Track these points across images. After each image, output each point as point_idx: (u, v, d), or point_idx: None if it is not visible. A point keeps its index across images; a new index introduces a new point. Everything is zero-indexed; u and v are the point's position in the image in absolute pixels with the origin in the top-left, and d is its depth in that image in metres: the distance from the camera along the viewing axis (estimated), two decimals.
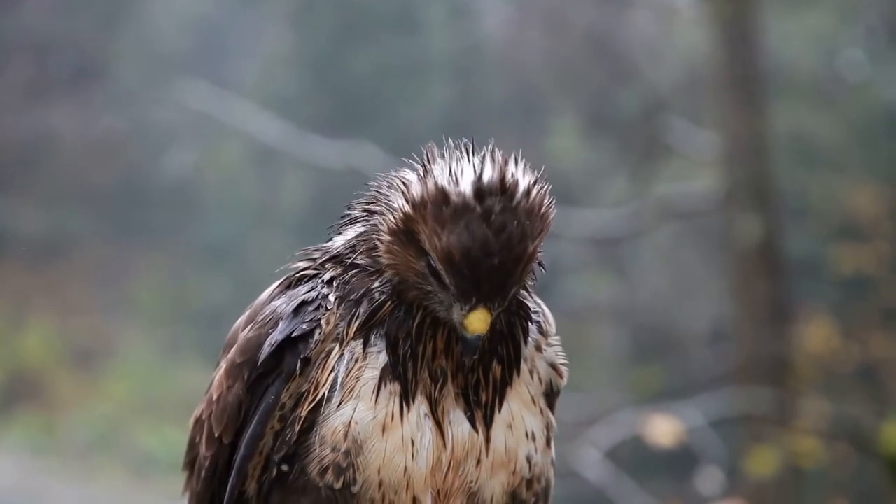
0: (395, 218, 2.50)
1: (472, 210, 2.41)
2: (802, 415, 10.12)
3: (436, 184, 2.44)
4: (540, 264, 2.61)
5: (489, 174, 2.44)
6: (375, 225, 2.58)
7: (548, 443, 2.71)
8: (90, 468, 17.76)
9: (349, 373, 2.54)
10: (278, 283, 2.69)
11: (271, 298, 2.66)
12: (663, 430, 8.33)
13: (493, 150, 2.51)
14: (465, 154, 2.50)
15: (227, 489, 2.61)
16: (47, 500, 16.75)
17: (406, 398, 2.53)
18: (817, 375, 11.67)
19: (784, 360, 10.27)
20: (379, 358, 2.54)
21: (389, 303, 2.54)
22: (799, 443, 9.88)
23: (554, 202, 2.56)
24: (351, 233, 2.65)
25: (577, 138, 17.11)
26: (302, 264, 2.68)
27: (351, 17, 18.94)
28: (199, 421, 2.75)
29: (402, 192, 2.50)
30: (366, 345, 2.54)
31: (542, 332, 2.68)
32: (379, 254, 2.55)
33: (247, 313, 2.70)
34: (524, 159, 2.56)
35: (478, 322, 2.44)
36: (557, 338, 2.73)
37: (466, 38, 18.84)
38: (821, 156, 14.66)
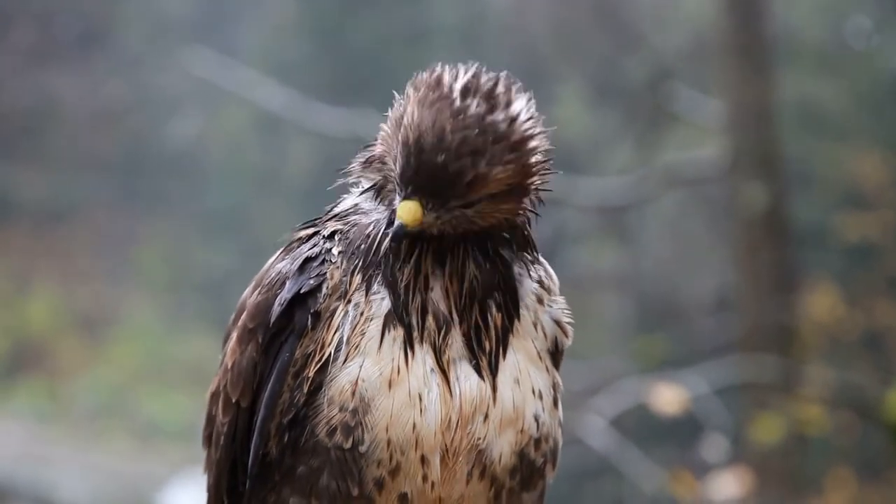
0: (397, 105, 2.53)
1: (450, 101, 2.41)
2: (807, 383, 10.12)
3: (439, 72, 2.47)
4: (525, 226, 2.60)
5: (487, 82, 2.44)
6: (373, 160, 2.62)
7: (555, 403, 2.69)
8: (94, 435, 17.83)
9: (354, 328, 2.54)
10: (280, 250, 2.70)
11: (273, 263, 2.66)
12: (668, 398, 8.34)
13: (508, 75, 2.51)
14: (482, 69, 2.50)
15: (251, 451, 2.59)
16: (52, 466, 16.81)
17: (410, 342, 2.52)
18: (822, 343, 11.68)
19: (789, 328, 10.27)
20: (382, 305, 2.54)
21: (382, 234, 2.54)
22: (803, 411, 9.89)
23: (544, 156, 2.55)
24: (352, 197, 2.67)
25: (582, 106, 17.08)
26: (303, 232, 2.69)
27: None
28: (214, 394, 2.75)
29: (412, 80, 2.52)
30: (367, 292, 2.54)
31: (542, 286, 2.67)
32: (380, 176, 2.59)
33: (252, 282, 2.71)
34: (539, 114, 2.54)
35: (405, 212, 2.42)
36: (562, 298, 2.72)
37: (471, 6, 18.78)
38: (827, 123, 14.63)
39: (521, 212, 2.59)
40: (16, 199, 19.87)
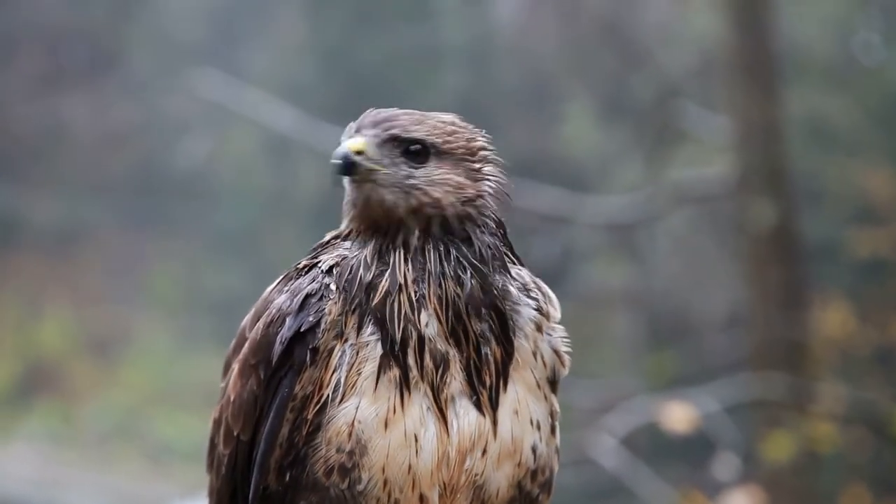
0: None
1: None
2: (818, 399, 10.10)
3: None
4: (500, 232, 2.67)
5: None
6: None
7: (552, 431, 2.71)
8: (107, 457, 17.82)
9: (351, 367, 2.56)
10: (279, 279, 2.72)
11: (273, 295, 2.69)
12: (679, 416, 8.33)
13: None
14: None
15: (252, 485, 2.63)
16: (65, 488, 16.81)
17: (406, 383, 2.54)
18: (833, 360, 11.65)
19: (800, 344, 10.25)
20: (377, 347, 2.56)
21: (364, 264, 2.59)
22: (815, 427, 9.86)
23: (485, 151, 2.71)
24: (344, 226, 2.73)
25: (590, 124, 17.08)
26: (303, 262, 2.71)
27: (363, 5, 18.93)
28: (217, 421, 2.77)
29: None
30: (360, 332, 2.57)
31: (541, 312, 2.68)
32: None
33: (251, 312, 2.73)
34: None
35: (349, 142, 2.59)
36: (562, 327, 2.72)
37: (479, 25, 18.80)
38: (836, 139, 14.61)
39: (473, 196, 2.63)
40: (27, 222, 19.91)
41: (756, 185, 10.24)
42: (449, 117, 2.68)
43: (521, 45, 18.19)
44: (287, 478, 2.60)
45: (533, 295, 2.68)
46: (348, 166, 2.58)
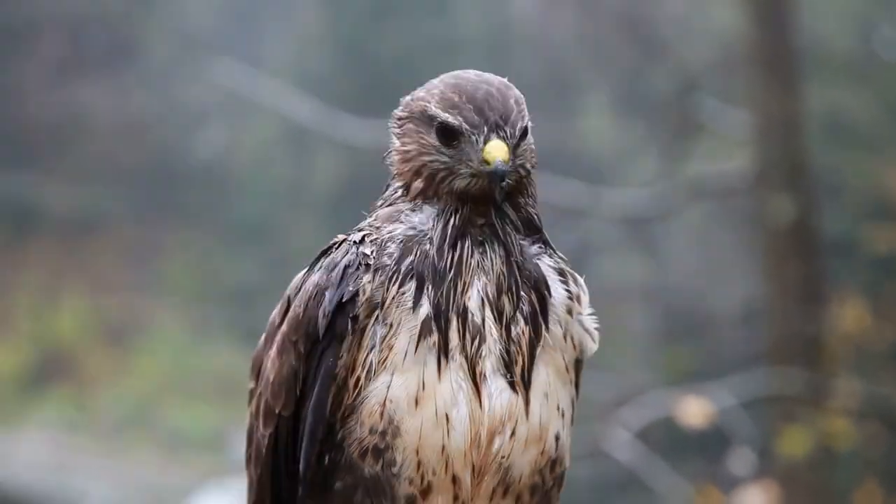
0: (407, 107, 2.70)
1: (470, 76, 2.66)
2: (835, 395, 10.07)
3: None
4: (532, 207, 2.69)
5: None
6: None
7: (572, 422, 2.72)
8: (122, 445, 17.87)
9: (384, 341, 2.56)
10: (306, 269, 2.71)
11: (305, 277, 2.69)
12: (694, 410, 8.31)
13: None
14: None
15: (302, 457, 2.62)
16: (79, 476, 16.86)
17: (445, 351, 2.54)
18: (850, 355, 11.61)
19: (816, 340, 10.22)
20: (419, 312, 2.57)
21: (411, 236, 2.60)
22: (831, 423, 9.83)
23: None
24: (382, 208, 2.72)
25: (608, 117, 17.05)
26: (330, 244, 2.71)
27: None
28: (254, 413, 2.78)
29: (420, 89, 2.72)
30: (403, 299, 2.57)
31: (572, 297, 2.68)
32: (397, 187, 2.68)
33: (279, 304, 2.73)
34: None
35: (497, 150, 2.56)
36: (591, 309, 2.73)
37: (497, 17, 18.78)
38: (855, 134, 14.56)
39: (533, 163, 2.68)
40: (44, 210, 19.96)
41: (775, 180, 10.21)
42: (510, 86, 2.69)
43: (540, 38, 18.17)
44: (325, 461, 2.60)
45: (566, 279, 2.68)
46: (502, 177, 2.58)
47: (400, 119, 2.71)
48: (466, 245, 2.59)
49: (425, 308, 2.56)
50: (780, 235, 10.20)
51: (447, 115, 2.59)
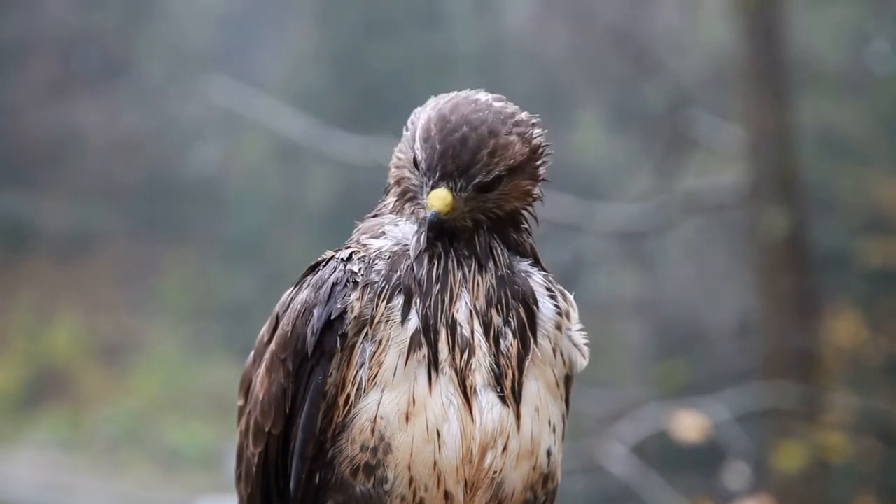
0: (415, 113, 2.70)
1: (464, 97, 2.64)
2: (830, 409, 10.07)
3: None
4: (531, 215, 2.72)
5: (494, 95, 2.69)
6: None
7: (563, 438, 2.71)
8: (117, 463, 17.84)
9: (373, 358, 2.57)
10: (293, 286, 2.73)
11: (293, 296, 2.69)
12: (689, 424, 8.31)
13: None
14: None
15: (293, 475, 2.62)
16: (75, 494, 16.83)
17: (435, 364, 2.54)
18: (844, 369, 11.62)
19: (811, 353, 10.23)
20: (408, 326, 2.57)
21: (397, 252, 2.61)
22: (826, 437, 9.83)
23: (543, 143, 2.70)
24: (370, 222, 2.74)
25: (601, 132, 17.08)
26: (317, 262, 2.72)
27: (375, 13, 18.95)
28: (243, 431, 2.78)
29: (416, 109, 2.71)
30: (392, 313, 2.58)
31: (561, 312, 2.69)
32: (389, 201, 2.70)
33: (268, 322, 2.74)
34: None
35: (436, 200, 2.56)
36: (581, 325, 2.74)
37: (490, 32, 18.82)
38: (848, 148, 14.59)
39: (533, 196, 2.69)
40: (38, 228, 19.95)
41: (768, 194, 10.23)
42: (517, 116, 2.66)
43: (533, 53, 18.20)
44: (316, 480, 2.60)
45: (554, 294, 2.69)
46: (441, 223, 2.59)
47: (410, 122, 2.72)
48: (451, 258, 2.60)
49: (413, 322, 2.56)
50: (773, 249, 10.21)
51: (418, 147, 2.61)
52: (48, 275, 20.02)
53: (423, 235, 2.59)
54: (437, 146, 2.58)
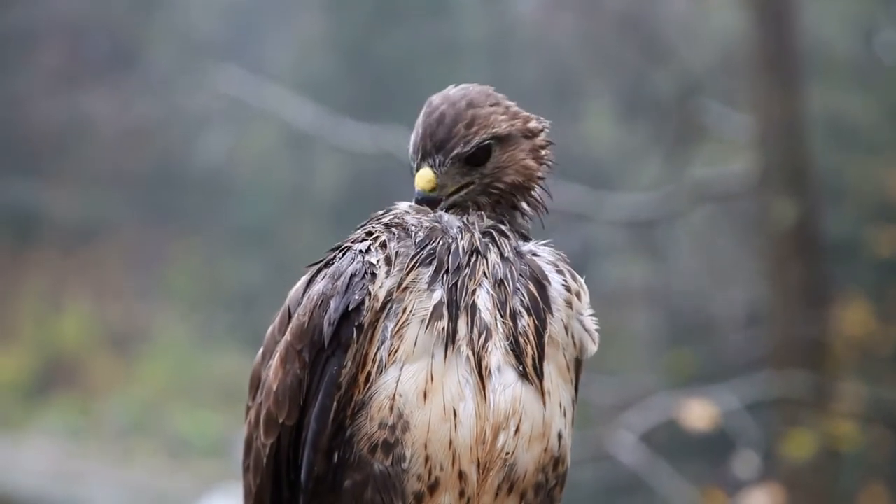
0: None
1: (448, 93, 2.76)
2: (839, 398, 10.06)
3: None
4: (537, 206, 2.79)
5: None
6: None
7: (572, 422, 2.73)
8: (126, 451, 17.88)
9: (395, 334, 2.59)
10: (306, 276, 2.73)
11: (308, 288, 2.69)
12: (699, 413, 8.31)
13: None
14: None
15: (304, 466, 2.63)
16: (84, 482, 16.86)
17: (453, 338, 2.56)
18: (854, 358, 11.60)
19: (820, 343, 10.21)
20: (432, 297, 2.60)
21: (435, 227, 2.66)
22: (835, 426, 9.83)
23: (540, 126, 2.79)
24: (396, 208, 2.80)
25: (610, 121, 17.05)
26: (332, 253, 2.73)
27: (383, 1, 18.93)
28: (253, 422, 2.79)
29: None
30: (415, 287, 2.61)
31: (571, 290, 2.70)
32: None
33: (278, 317, 2.74)
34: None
35: (419, 179, 2.68)
36: (592, 310, 2.75)
37: (499, 21, 18.79)
38: (857, 137, 14.56)
39: (537, 167, 2.76)
40: (47, 217, 19.97)
41: (777, 184, 10.21)
42: (507, 102, 2.77)
43: (541, 41, 18.17)
44: (335, 459, 2.61)
45: (562, 271, 2.71)
46: (430, 202, 2.70)
47: None
48: (475, 239, 2.65)
49: (438, 293, 2.59)
50: (783, 238, 10.19)
51: (411, 134, 2.73)
52: (57, 263, 20.05)
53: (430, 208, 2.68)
54: (419, 130, 2.70)
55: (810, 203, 10.36)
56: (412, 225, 2.66)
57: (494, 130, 2.70)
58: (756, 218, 11.29)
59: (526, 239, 2.74)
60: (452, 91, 2.74)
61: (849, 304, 11.59)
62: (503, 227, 2.69)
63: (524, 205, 2.76)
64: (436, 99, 2.74)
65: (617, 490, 12.03)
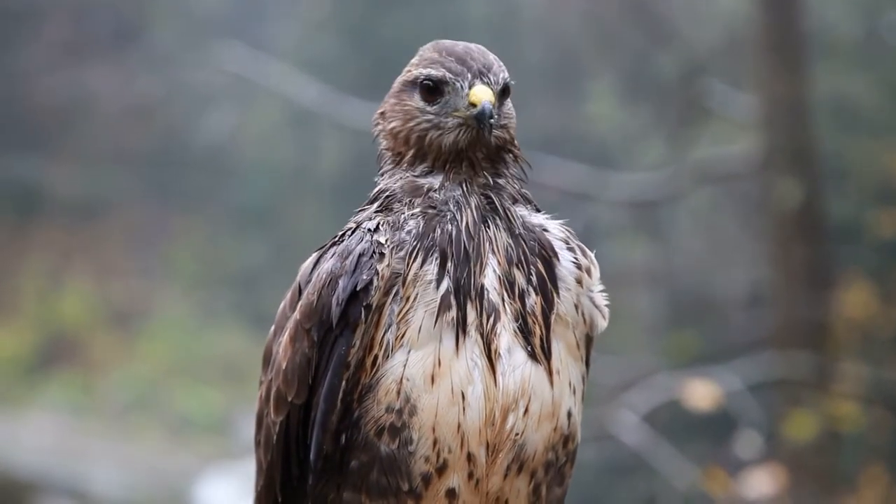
0: (385, 101, 2.78)
1: (446, 41, 2.75)
2: (841, 379, 10.07)
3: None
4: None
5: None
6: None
7: (582, 399, 2.73)
8: (127, 429, 17.90)
9: (401, 319, 2.57)
10: (315, 254, 2.71)
11: (318, 265, 2.68)
12: (701, 394, 8.32)
13: None
14: None
15: (313, 445, 2.63)
16: (85, 459, 16.89)
17: (463, 326, 2.54)
18: (855, 339, 11.60)
19: (822, 324, 10.22)
20: (441, 286, 2.58)
21: (433, 213, 2.62)
22: (837, 407, 9.84)
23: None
24: (384, 183, 2.78)
25: (615, 101, 17.01)
26: (340, 232, 2.71)
27: None
28: (264, 398, 2.77)
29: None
30: (423, 275, 2.59)
31: (581, 267, 2.68)
32: (389, 162, 2.75)
33: (289, 294, 2.73)
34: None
35: (483, 92, 2.62)
36: (602, 286, 2.74)
37: (503, 1, 18.74)
38: (861, 119, 14.53)
39: (513, 127, 2.71)
40: (49, 194, 19.96)
41: (781, 165, 10.20)
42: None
43: (546, 22, 18.12)
44: (342, 440, 2.61)
45: (573, 248, 2.69)
46: (490, 116, 2.62)
47: (380, 114, 2.79)
48: (478, 218, 2.61)
49: (445, 283, 2.57)
50: (786, 219, 10.19)
51: (430, 69, 2.66)
52: (59, 240, 20.05)
53: (483, 130, 2.61)
54: (452, 57, 2.66)
55: (814, 184, 10.35)
56: (408, 214, 2.63)
57: (505, 80, 2.70)
58: (759, 199, 11.29)
59: (536, 209, 2.71)
60: (439, 41, 2.74)
61: (851, 285, 11.59)
62: (500, 182, 2.66)
63: (511, 168, 2.72)
64: (441, 41, 2.72)
65: (619, 470, 12.05)
